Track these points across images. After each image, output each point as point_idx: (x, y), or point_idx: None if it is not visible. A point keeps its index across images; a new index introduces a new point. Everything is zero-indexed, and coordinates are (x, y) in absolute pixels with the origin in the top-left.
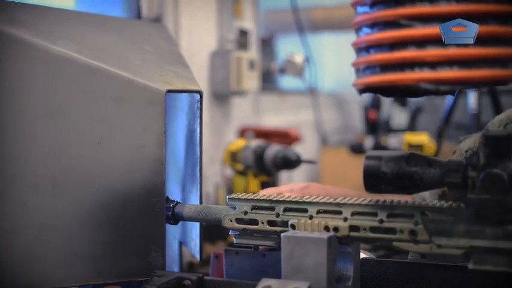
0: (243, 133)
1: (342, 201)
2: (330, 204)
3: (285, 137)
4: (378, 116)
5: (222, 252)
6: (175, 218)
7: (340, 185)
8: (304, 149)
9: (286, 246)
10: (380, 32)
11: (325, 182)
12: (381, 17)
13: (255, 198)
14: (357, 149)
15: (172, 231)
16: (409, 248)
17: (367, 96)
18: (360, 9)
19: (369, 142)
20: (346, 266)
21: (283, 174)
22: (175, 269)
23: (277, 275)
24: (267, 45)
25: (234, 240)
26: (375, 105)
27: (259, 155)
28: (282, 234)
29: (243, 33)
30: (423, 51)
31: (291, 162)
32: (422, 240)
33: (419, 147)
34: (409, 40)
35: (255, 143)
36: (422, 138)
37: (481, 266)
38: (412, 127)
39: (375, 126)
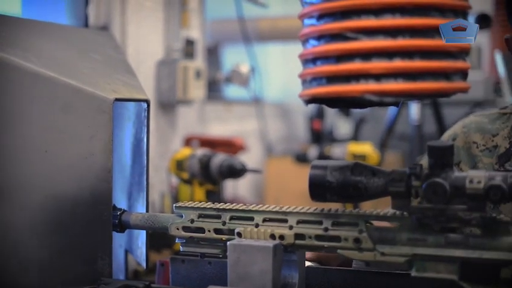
0: (188, 142)
1: (288, 210)
2: (276, 212)
3: (230, 146)
4: (322, 126)
5: (168, 260)
6: (122, 226)
7: (285, 193)
8: (249, 158)
9: (232, 254)
10: (326, 44)
11: (269, 191)
12: (327, 30)
13: (202, 206)
14: (301, 158)
15: (118, 239)
16: (354, 256)
17: (311, 106)
18: (307, 21)
19: (313, 152)
20: (292, 274)
21: (229, 183)
22: (121, 277)
23: (223, 282)
24: (213, 54)
25: (181, 248)
26: (319, 115)
27: (204, 164)
28: (228, 243)
29: (190, 43)
30: (368, 63)
31: (236, 171)
32: (366, 248)
33: (363, 157)
34: (355, 52)
35: (201, 151)
36: (366, 148)
37: (423, 273)
38: (355, 137)
39: (319, 136)
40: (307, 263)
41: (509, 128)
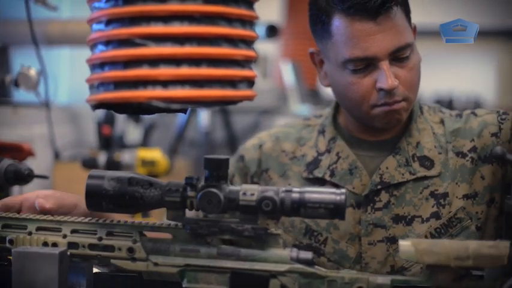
0: None
1: (63, 219)
2: (50, 221)
3: (18, 152)
4: (111, 131)
5: None
6: None
7: None
8: (37, 163)
9: (16, 262)
10: (114, 49)
11: None
12: (115, 35)
13: None
14: (89, 164)
15: None
16: (127, 266)
17: (101, 111)
18: (95, 26)
19: (102, 157)
20: (79, 281)
21: (15, 189)
22: None
23: None
24: (0, 56)
25: None
26: (109, 120)
27: None
28: (12, 250)
29: None
30: (156, 69)
31: (22, 177)
32: (139, 258)
33: (152, 162)
34: (143, 59)
35: None
36: (155, 154)
37: (195, 284)
38: (145, 143)
39: (109, 142)
40: (96, 269)
41: (315, 138)
